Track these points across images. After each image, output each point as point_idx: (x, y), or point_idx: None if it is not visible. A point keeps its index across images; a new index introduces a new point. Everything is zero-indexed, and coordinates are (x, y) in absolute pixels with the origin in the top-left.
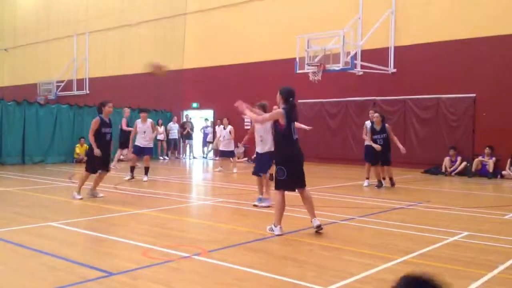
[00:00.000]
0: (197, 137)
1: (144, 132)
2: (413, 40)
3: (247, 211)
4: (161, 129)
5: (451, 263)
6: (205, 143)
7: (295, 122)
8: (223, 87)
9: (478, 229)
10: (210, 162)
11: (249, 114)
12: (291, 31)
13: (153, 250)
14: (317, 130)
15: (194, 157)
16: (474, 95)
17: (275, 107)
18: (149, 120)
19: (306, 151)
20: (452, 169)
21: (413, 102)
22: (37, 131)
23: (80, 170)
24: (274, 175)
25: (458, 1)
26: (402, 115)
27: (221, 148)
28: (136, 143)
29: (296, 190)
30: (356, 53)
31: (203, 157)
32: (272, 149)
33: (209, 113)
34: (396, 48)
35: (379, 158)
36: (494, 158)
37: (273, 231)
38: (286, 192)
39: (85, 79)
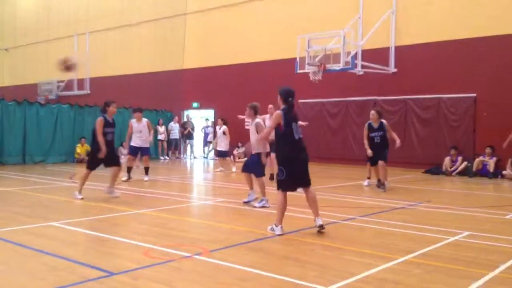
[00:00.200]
0: (198, 137)
1: (140, 131)
2: (414, 40)
3: (248, 211)
4: (161, 129)
5: (452, 262)
6: (206, 143)
7: (297, 122)
8: (224, 87)
9: (479, 229)
10: (211, 162)
11: (258, 138)
12: (292, 31)
13: (154, 250)
14: (317, 130)
15: (194, 157)
16: (475, 95)
17: (270, 106)
18: (144, 120)
19: (307, 151)
20: (453, 169)
21: (413, 102)
22: (37, 131)
23: (81, 170)
24: (276, 175)
25: (459, 1)
26: (403, 115)
27: (217, 148)
28: (132, 143)
29: (301, 190)
30: (356, 53)
31: (204, 157)
32: (261, 150)
33: (209, 113)
34: (396, 48)
35: (376, 156)
36: (495, 158)
37: (274, 231)
38: (288, 192)
39: (86, 79)
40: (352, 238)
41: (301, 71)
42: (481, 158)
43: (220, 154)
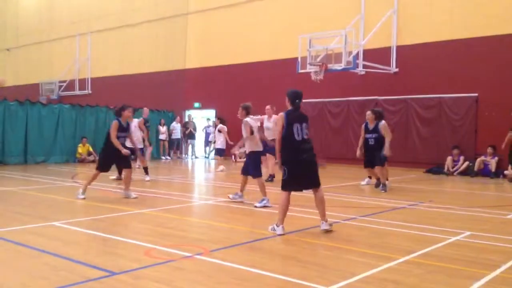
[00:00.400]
0: (199, 137)
1: (131, 131)
2: (415, 39)
3: (249, 211)
4: (163, 129)
5: (453, 262)
6: (207, 143)
7: (303, 124)
8: (225, 87)
9: (480, 229)
10: (212, 162)
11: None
12: (293, 31)
13: (155, 249)
14: (319, 129)
15: (196, 157)
16: (476, 94)
17: (267, 107)
18: (136, 120)
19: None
20: (454, 168)
21: (415, 101)
22: (39, 131)
23: (82, 170)
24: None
25: (460, 1)
26: (404, 115)
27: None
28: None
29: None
30: (358, 53)
31: (205, 157)
32: (252, 149)
33: (211, 113)
34: (398, 47)
35: (370, 159)
36: (496, 158)
37: (275, 230)
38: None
39: (87, 79)
40: (353, 238)
41: (302, 71)
42: (482, 158)
43: (216, 152)
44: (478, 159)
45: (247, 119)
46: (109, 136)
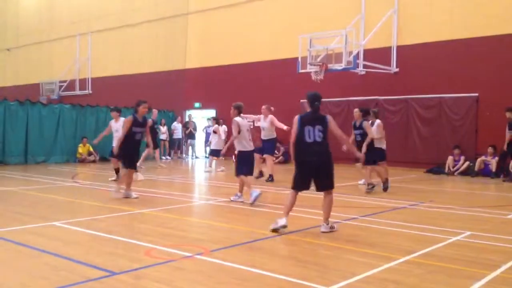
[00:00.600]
0: (200, 137)
1: (116, 131)
2: (416, 39)
3: (249, 211)
4: (163, 128)
5: (454, 262)
6: (208, 143)
7: (317, 126)
8: (225, 86)
9: (480, 229)
10: (213, 162)
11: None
12: (293, 31)
13: (155, 249)
14: None
15: (196, 157)
16: (477, 94)
17: (263, 107)
18: (122, 119)
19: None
20: (455, 168)
21: (415, 101)
22: (39, 131)
23: (83, 170)
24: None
25: (460, 1)
26: (405, 115)
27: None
28: (113, 143)
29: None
30: (358, 53)
31: (206, 157)
32: (238, 148)
33: (211, 113)
34: (398, 47)
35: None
36: (497, 158)
37: (277, 223)
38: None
39: (88, 79)
40: (353, 238)
41: (303, 70)
42: (483, 157)
43: (211, 153)
44: (479, 159)
45: (237, 118)
46: (124, 131)
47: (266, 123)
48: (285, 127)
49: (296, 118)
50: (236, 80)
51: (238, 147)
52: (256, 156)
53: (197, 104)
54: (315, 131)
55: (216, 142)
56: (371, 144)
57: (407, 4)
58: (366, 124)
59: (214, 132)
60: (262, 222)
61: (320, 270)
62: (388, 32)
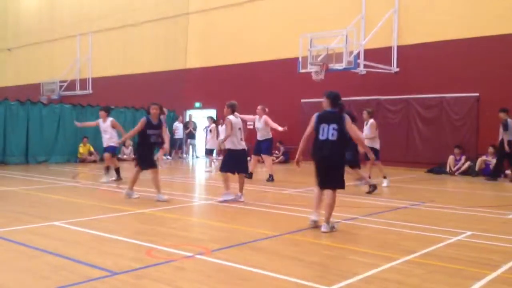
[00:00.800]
0: (201, 137)
1: (104, 131)
2: (416, 39)
3: (250, 211)
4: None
5: (455, 262)
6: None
7: (331, 124)
8: (226, 86)
9: (481, 229)
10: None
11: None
12: (294, 31)
13: (156, 249)
14: None
15: (197, 157)
16: (478, 94)
17: (258, 107)
18: (109, 119)
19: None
20: (456, 168)
21: (416, 101)
22: (40, 131)
23: (83, 169)
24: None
25: (461, 1)
26: (405, 115)
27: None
28: (103, 144)
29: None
30: (359, 52)
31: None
32: (228, 146)
33: (212, 113)
34: (399, 47)
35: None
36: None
37: (309, 219)
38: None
39: (88, 78)
40: (354, 238)
41: (303, 70)
42: (484, 157)
43: (206, 152)
44: (480, 159)
45: (230, 116)
46: (140, 133)
47: (261, 123)
48: (280, 128)
49: (314, 116)
50: (236, 80)
51: (228, 145)
52: (253, 157)
53: (197, 104)
54: (329, 129)
55: (211, 142)
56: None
57: (407, 4)
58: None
59: (211, 131)
60: (263, 222)
61: (321, 270)
62: (389, 32)
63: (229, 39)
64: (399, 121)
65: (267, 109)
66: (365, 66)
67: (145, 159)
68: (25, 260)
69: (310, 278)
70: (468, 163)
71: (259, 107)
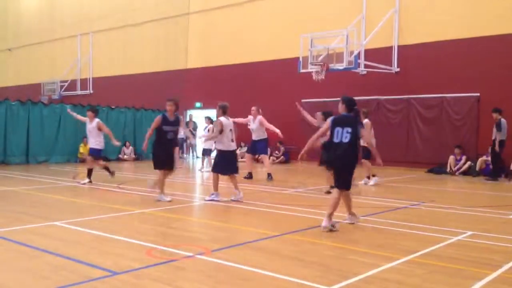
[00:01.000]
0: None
1: (89, 131)
2: (417, 39)
3: (250, 211)
4: None
5: (455, 262)
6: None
7: (345, 128)
8: (226, 86)
9: (482, 229)
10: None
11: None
12: (295, 31)
13: (156, 249)
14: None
15: (197, 157)
16: (478, 94)
17: (253, 108)
18: (96, 120)
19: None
20: (456, 168)
21: (416, 101)
22: (41, 131)
23: (84, 169)
24: None
25: (461, 1)
26: (406, 115)
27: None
28: (90, 145)
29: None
30: (359, 52)
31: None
32: (219, 147)
33: (212, 113)
34: (399, 47)
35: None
36: None
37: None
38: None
39: (89, 78)
40: (355, 238)
41: (304, 70)
42: (484, 157)
43: (203, 152)
44: (480, 159)
45: (221, 118)
46: (156, 130)
47: (255, 124)
48: (277, 130)
49: (329, 119)
50: (237, 80)
51: (219, 147)
52: (248, 156)
53: (198, 104)
54: (343, 132)
55: (208, 142)
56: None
57: (408, 4)
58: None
59: (208, 131)
60: (263, 222)
61: (321, 270)
62: (389, 32)
63: (229, 39)
64: (399, 121)
65: (260, 110)
66: (365, 66)
67: (158, 159)
68: (25, 260)
69: (310, 278)
70: (468, 163)
71: (253, 108)
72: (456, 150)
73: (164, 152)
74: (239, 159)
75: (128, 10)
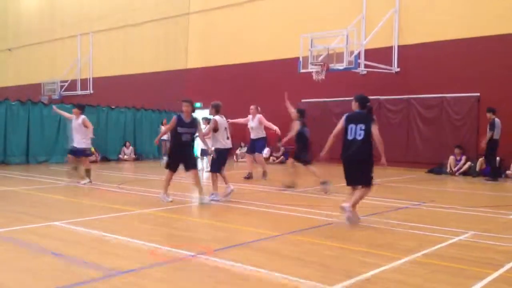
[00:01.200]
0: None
1: (75, 128)
2: (417, 39)
3: (250, 211)
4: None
5: (457, 262)
6: None
7: (359, 125)
8: (226, 86)
9: (482, 229)
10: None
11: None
12: (295, 31)
13: (158, 249)
14: (320, 129)
15: (197, 156)
16: (478, 94)
17: (252, 107)
18: (82, 116)
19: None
20: (456, 168)
21: (417, 101)
22: (41, 131)
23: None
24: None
25: (462, 1)
26: (406, 115)
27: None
28: (74, 143)
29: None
30: (359, 52)
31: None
32: (214, 146)
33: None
34: (399, 47)
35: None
36: (498, 158)
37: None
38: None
39: (89, 78)
40: (356, 237)
41: (304, 70)
42: (484, 158)
43: (201, 153)
44: (480, 159)
45: (216, 117)
46: (171, 132)
47: (254, 122)
48: (274, 127)
49: (343, 116)
50: (237, 80)
51: (215, 145)
52: (248, 156)
53: (198, 104)
54: (357, 129)
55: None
56: (304, 144)
57: (408, 4)
58: (294, 123)
59: None
60: (263, 222)
61: (323, 269)
62: (389, 32)
63: (229, 39)
64: (399, 121)
65: (259, 108)
66: (365, 66)
67: (171, 160)
68: (25, 260)
69: (311, 278)
70: (468, 163)
71: (252, 107)
72: (456, 150)
73: (181, 154)
74: (240, 159)
75: (128, 10)
